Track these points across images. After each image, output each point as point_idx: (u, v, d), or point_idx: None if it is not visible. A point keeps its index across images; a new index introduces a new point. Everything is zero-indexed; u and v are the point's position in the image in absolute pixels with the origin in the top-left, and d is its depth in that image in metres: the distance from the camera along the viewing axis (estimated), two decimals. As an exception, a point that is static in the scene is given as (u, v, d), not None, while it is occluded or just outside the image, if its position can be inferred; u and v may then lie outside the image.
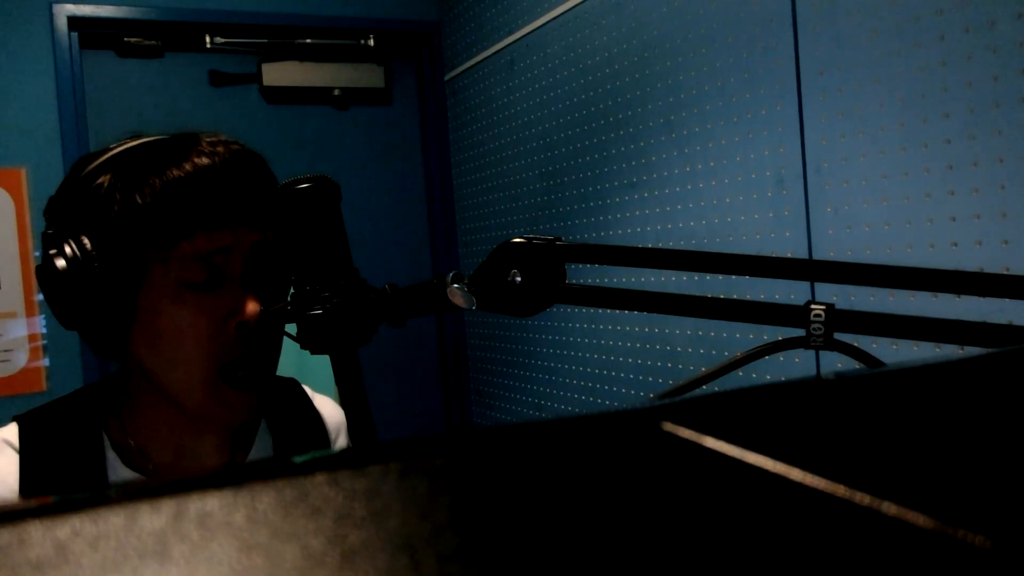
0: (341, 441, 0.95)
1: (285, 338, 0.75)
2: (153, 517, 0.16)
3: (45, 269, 0.72)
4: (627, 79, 1.94)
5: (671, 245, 1.84)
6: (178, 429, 0.80)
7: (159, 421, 0.79)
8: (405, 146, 2.95)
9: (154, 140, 0.76)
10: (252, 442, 0.88)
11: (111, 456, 0.79)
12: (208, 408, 0.75)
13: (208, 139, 0.76)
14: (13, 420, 0.79)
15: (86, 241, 0.72)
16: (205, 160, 0.73)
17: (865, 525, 0.17)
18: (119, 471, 0.79)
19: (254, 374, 0.75)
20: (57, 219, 0.75)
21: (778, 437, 0.22)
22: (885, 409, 0.25)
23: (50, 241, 0.73)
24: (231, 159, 0.75)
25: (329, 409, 0.96)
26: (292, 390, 0.94)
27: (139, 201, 0.72)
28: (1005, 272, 1.18)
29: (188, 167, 0.73)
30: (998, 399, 0.25)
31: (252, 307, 0.74)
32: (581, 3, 2.09)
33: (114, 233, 0.72)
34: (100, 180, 0.73)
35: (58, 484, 0.76)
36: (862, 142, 1.38)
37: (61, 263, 0.71)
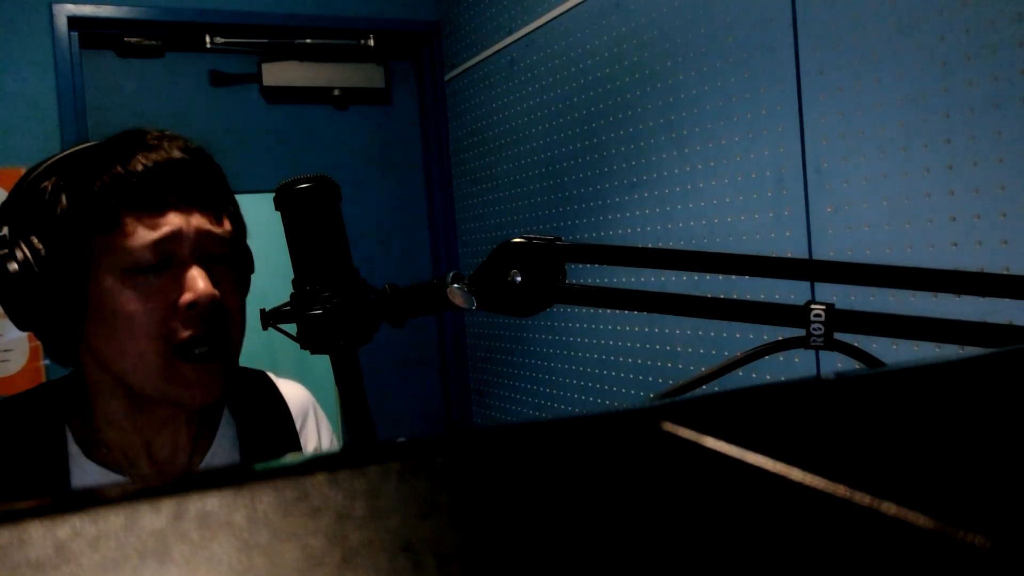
0: (309, 423, 0.95)
1: (285, 338, 0.75)
2: (153, 517, 0.16)
3: None
4: (627, 79, 1.94)
5: (671, 245, 1.84)
6: (138, 419, 0.81)
7: (119, 413, 0.80)
8: (405, 146, 2.95)
9: (97, 143, 0.79)
10: (216, 430, 0.88)
11: (74, 450, 0.80)
12: (166, 390, 0.76)
13: (152, 134, 0.78)
14: None
15: (35, 240, 0.74)
16: (151, 154, 0.76)
17: (865, 525, 0.17)
18: (82, 464, 0.80)
19: (210, 350, 0.76)
20: (4, 222, 0.76)
21: (778, 437, 0.22)
22: (885, 409, 0.25)
23: None
24: (175, 149, 0.77)
25: (294, 391, 0.96)
26: (258, 380, 0.95)
27: (84, 193, 0.74)
28: (1005, 272, 1.18)
29: (134, 160, 0.75)
30: (998, 399, 0.25)
31: (203, 286, 0.75)
32: (581, 3, 2.09)
33: (61, 228, 0.74)
34: (44, 184, 0.76)
35: (22, 478, 0.77)
36: (862, 142, 1.38)
37: (13, 265, 0.73)
